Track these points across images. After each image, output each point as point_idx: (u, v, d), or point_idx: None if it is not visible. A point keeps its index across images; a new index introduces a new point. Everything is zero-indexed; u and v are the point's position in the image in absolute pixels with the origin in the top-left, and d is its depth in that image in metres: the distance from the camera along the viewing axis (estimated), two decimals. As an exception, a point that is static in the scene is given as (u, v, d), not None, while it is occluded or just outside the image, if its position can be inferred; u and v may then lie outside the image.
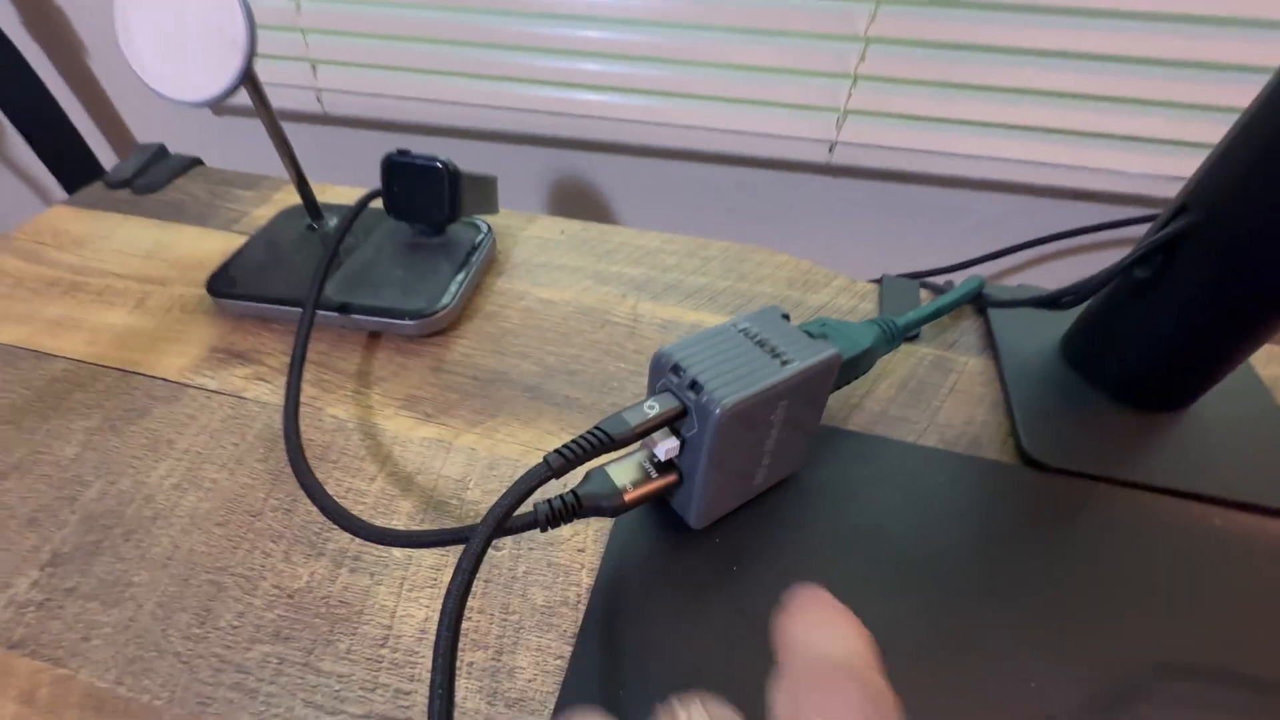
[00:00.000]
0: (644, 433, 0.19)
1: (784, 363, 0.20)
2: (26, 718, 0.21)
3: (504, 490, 0.19)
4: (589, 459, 0.19)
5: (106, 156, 0.79)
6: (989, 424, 0.29)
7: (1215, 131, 0.47)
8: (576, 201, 0.68)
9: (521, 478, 0.18)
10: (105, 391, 0.31)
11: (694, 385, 0.19)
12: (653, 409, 0.20)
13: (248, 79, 0.29)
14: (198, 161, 0.50)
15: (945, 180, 0.55)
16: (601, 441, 0.18)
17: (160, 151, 0.50)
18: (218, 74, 0.27)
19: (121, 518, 0.26)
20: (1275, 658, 0.21)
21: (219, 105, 0.28)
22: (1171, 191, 0.49)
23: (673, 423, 0.20)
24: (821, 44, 0.51)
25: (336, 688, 0.21)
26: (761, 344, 0.21)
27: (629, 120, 0.57)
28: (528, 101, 0.59)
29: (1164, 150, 0.50)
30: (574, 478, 0.26)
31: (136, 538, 0.25)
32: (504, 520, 0.17)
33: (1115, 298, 0.29)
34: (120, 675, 0.21)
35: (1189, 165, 0.48)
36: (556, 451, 0.18)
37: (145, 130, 0.80)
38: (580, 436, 0.19)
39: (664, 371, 0.20)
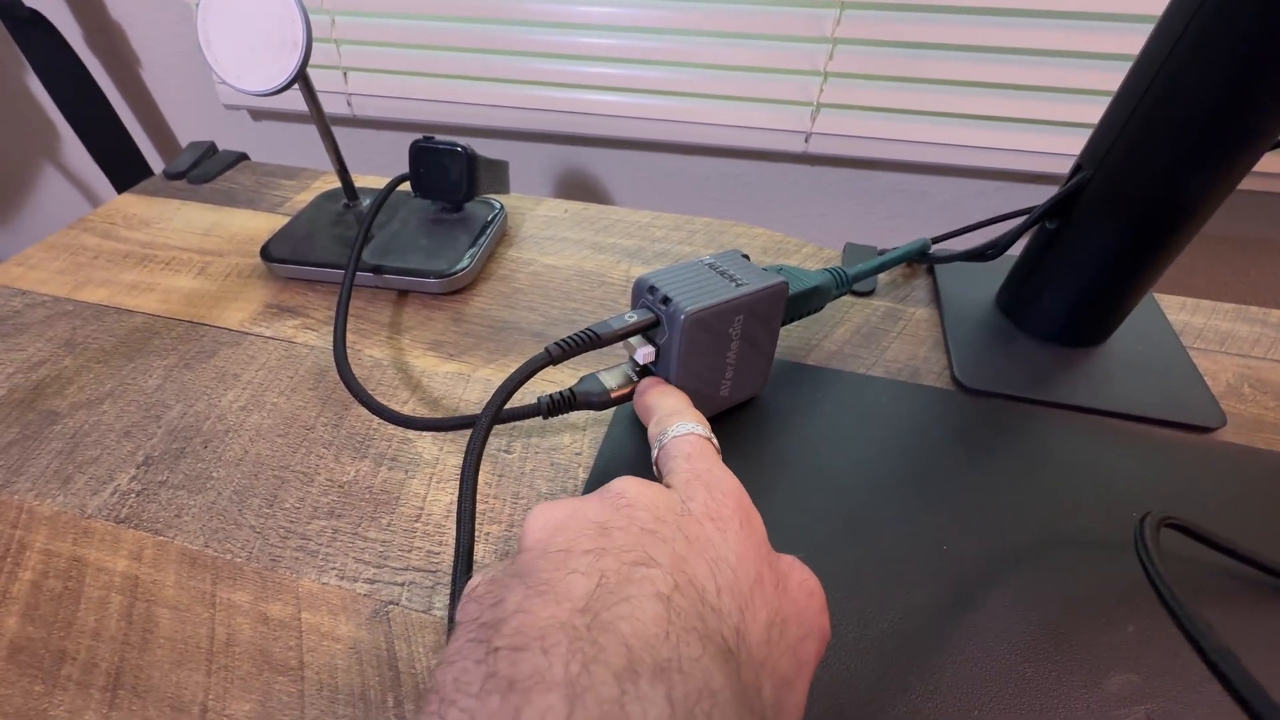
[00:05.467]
0: (624, 334, 0.24)
1: (738, 285, 0.26)
2: (137, 570, 0.26)
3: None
4: (580, 352, 0.24)
5: (153, 159, 0.87)
6: (929, 359, 0.34)
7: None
8: (579, 191, 0.74)
9: (527, 361, 0.23)
10: (179, 338, 0.37)
11: (665, 300, 0.24)
12: (631, 317, 0.25)
13: (301, 74, 0.35)
14: (244, 156, 0.56)
15: (909, 166, 0.60)
16: (590, 339, 0.24)
17: (211, 148, 0.56)
18: (281, 68, 0.33)
19: (200, 431, 0.31)
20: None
21: (281, 93, 0.34)
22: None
23: (648, 331, 0.25)
24: (794, 45, 0.56)
25: (380, 549, 0.26)
26: (722, 273, 0.26)
27: (626, 117, 0.63)
28: (536, 101, 0.65)
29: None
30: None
31: (213, 445, 0.31)
32: (515, 387, 0.22)
33: (1033, 249, 0.34)
34: (208, 541, 0.27)
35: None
36: (555, 343, 0.23)
37: (189, 135, 0.87)
38: (574, 334, 0.24)
39: (642, 292, 0.26)
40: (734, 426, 0.30)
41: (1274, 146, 0.27)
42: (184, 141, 0.89)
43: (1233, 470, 0.28)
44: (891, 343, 0.35)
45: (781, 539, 0.20)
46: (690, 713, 0.12)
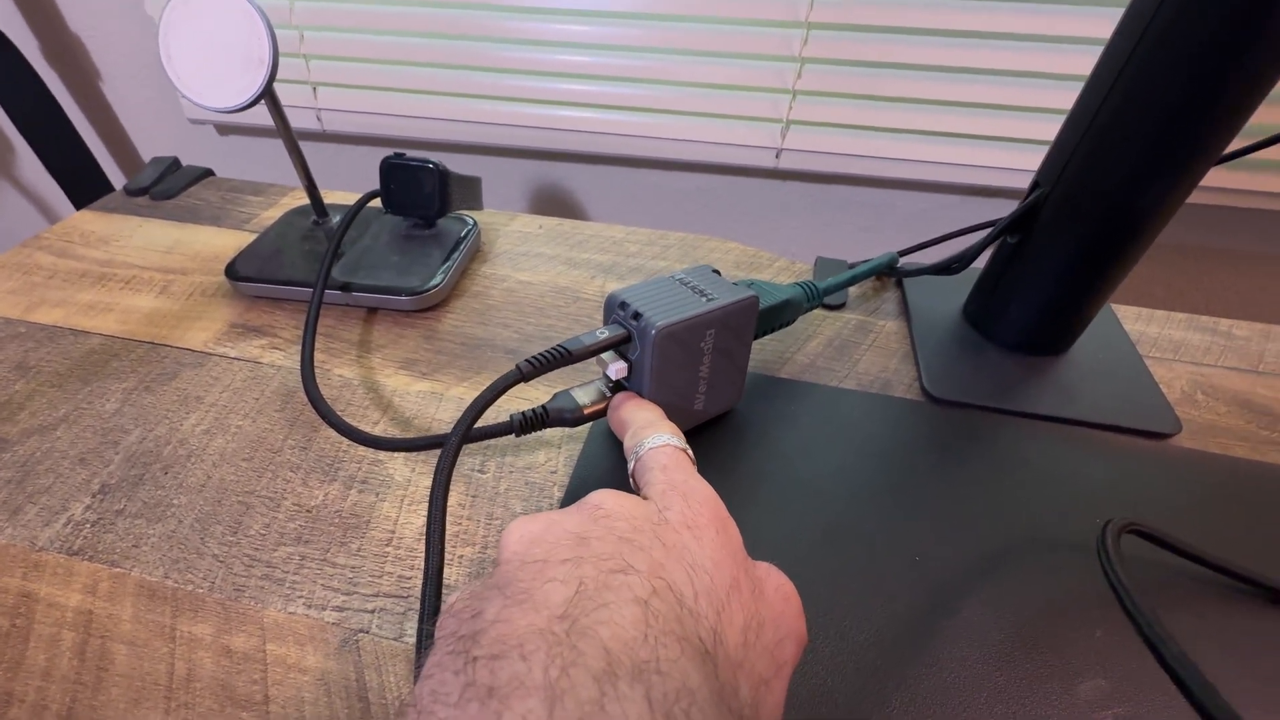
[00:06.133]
0: (596, 350, 0.24)
1: (709, 300, 0.26)
2: (91, 604, 0.25)
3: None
4: (552, 368, 0.24)
5: (115, 176, 0.84)
6: (900, 371, 0.35)
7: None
8: (553, 207, 0.74)
9: (498, 379, 0.23)
10: (138, 360, 0.36)
11: (636, 315, 0.24)
12: (603, 333, 0.25)
13: (268, 91, 0.34)
14: (209, 172, 0.55)
15: (878, 181, 0.62)
16: (561, 355, 0.24)
17: (174, 164, 0.55)
18: (247, 85, 0.33)
19: (160, 456, 0.30)
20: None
21: (245, 110, 0.33)
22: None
23: (620, 347, 0.25)
24: (764, 64, 0.58)
25: (350, 576, 0.26)
26: (693, 288, 0.27)
27: (600, 133, 0.64)
28: (509, 117, 0.65)
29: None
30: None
31: (174, 471, 0.30)
32: (485, 405, 0.22)
33: (996, 263, 0.35)
34: (168, 572, 0.26)
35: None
36: (527, 360, 0.23)
37: (152, 150, 0.85)
38: (545, 350, 0.24)
39: (614, 308, 0.26)
40: (710, 440, 0.30)
41: (1218, 161, 0.28)
42: (147, 157, 0.87)
43: (1189, 475, 0.29)
44: (863, 355, 0.36)
45: (760, 551, 0.20)
46: (669, 712, 0.12)
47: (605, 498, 0.18)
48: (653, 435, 0.22)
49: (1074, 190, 0.30)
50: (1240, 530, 0.26)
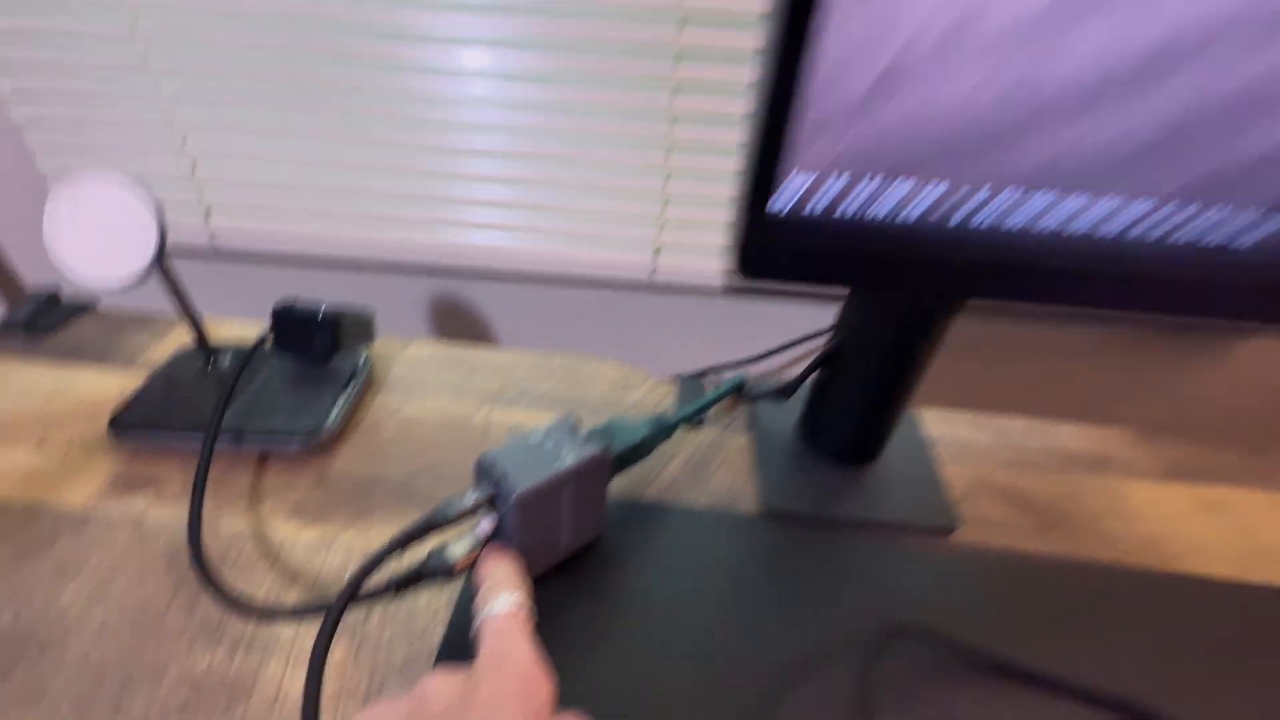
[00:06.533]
0: (465, 514, 0.28)
1: (563, 459, 0.30)
2: (-45, 809, 0.25)
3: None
4: (423, 536, 0.27)
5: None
6: (747, 486, 0.41)
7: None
8: (450, 321, 0.78)
9: (371, 556, 0.26)
10: (12, 526, 0.36)
11: (499, 479, 0.29)
12: (471, 498, 0.29)
13: (159, 266, 0.37)
14: (91, 305, 0.55)
15: (742, 291, 0.71)
16: (432, 525, 0.27)
17: (53, 298, 0.55)
18: (132, 267, 0.35)
19: (35, 635, 0.31)
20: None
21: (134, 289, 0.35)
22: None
23: (490, 505, 0.29)
24: (633, 200, 0.67)
25: (234, 744, 0.27)
26: (552, 446, 0.31)
27: (492, 254, 0.69)
28: (407, 239, 0.69)
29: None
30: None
31: (50, 651, 0.30)
32: (358, 584, 0.25)
33: (817, 388, 0.42)
34: (41, 763, 0.26)
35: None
36: (402, 532, 0.27)
37: (37, 273, 0.82)
38: (417, 523, 0.27)
39: (483, 470, 0.30)
40: (572, 572, 0.34)
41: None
42: (32, 280, 0.84)
43: (961, 568, 0.36)
44: (715, 472, 0.42)
45: (605, 677, 0.24)
46: None
47: (429, 683, 0.22)
48: (492, 600, 0.25)
49: (860, 337, 0.37)
50: (1001, 616, 0.33)
